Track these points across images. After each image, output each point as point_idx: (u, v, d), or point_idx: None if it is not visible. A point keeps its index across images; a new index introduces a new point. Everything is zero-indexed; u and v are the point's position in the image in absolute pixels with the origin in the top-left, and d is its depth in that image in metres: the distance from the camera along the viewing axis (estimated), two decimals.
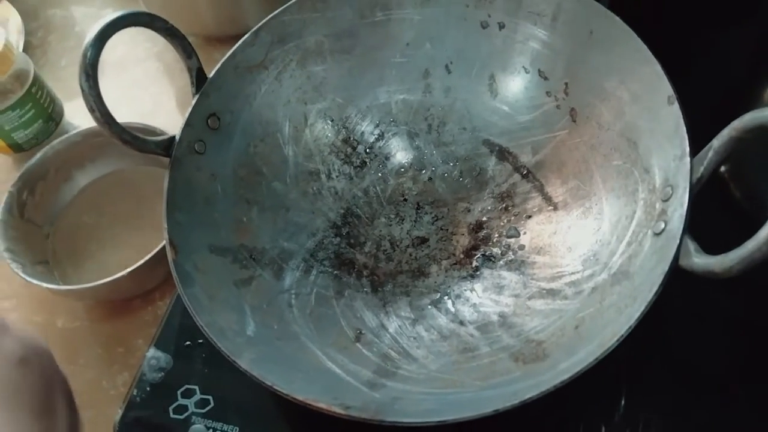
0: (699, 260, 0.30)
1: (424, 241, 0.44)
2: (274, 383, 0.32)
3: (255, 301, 0.39)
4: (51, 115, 0.55)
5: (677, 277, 0.30)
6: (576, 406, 0.38)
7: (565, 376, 0.30)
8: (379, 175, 0.47)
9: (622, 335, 0.30)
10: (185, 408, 0.40)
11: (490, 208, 0.44)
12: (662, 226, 0.33)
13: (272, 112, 0.45)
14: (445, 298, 0.41)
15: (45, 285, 0.44)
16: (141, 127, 0.48)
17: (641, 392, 0.38)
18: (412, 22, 0.45)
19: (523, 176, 0.44)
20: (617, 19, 0.38)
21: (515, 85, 0.45)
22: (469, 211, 0.44)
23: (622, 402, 0.38)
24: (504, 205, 0.44)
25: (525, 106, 0.44)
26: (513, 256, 0.42)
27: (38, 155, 0.50)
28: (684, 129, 0.33)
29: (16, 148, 0.55)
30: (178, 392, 0.40)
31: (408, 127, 0.47)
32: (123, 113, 0.39)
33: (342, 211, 0.45)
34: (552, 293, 0.38)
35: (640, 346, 0.33)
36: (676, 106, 0.34)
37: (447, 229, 0.44)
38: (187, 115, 0.40)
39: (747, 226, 0.28)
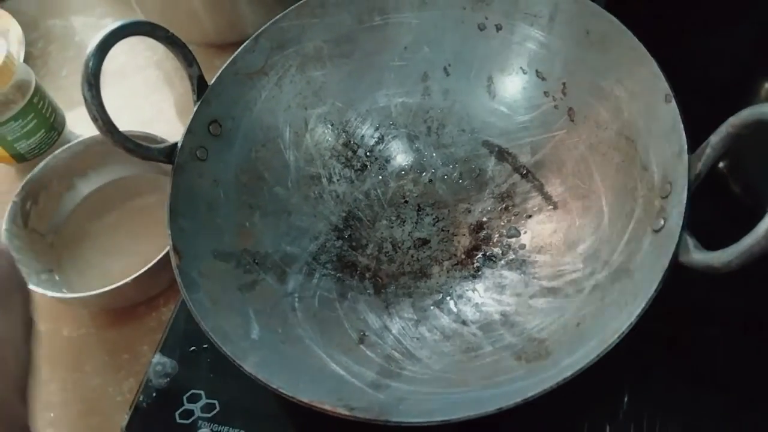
0: (698, 256, 0.30)
1: (425, 242, 0.44)
2: (279, 386, 0.32)
3: (259, 305, 0.39)
4: (53, 125, 0.55)
5: (678, 273, 0.30)
6: (580, 405, 0.38)
7: (568, 374, 0.30)
8: (380, 177, 0.47)
9: (623, 332, 0.30)
10: (191, 413, 0.40)
11: (491, 208, 0.44)
12: (661, 222, 0.33)
13: (273, 117, 0.45)
14: (448, 298, 0.41)
15: (50, 294, 0.44)
16: (142, 135, 0.48)
17: (645, 390, 0.38)
18: (410, 25, 0.45)
19: (523, 176, 0.44)
20: (614, 18, 0.38)
21: (513, 86, 0.45)
22: (469, 211, 0.45)
23: (626, 400, 0.38)
24: (504, 205, 0.44)
25: (523, 107, 0.45)
26: (514, 256, 0.42)
27: (41, 165, 0.50)
28: (681, 126, 0.33)
29: (19, 158, 0.55)
30: (184, 397, 0.41)
31: (407, 130, 0.47)
32: (124, 122, 0.39)
33: (343, 214, 0.46)
34: (553, 291, 0.39)
35: (643, 344, 0.33)
36: (673, 103, 0.34)
37: (448, 230, 0.44)
38: (188, 122, 0.41)
39: (746, 220, 0.28)
